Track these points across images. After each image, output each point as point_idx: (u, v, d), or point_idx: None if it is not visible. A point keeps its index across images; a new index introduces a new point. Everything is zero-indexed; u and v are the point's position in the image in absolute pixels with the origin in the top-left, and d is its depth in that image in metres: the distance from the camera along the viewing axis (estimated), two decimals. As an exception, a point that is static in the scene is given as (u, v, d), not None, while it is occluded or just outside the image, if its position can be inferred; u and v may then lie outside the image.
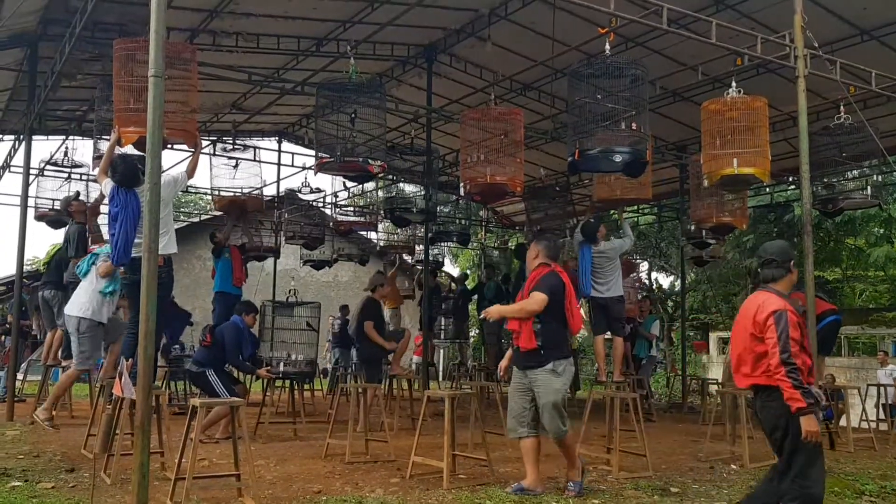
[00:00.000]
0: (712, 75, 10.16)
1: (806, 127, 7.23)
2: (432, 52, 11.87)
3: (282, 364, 9.14)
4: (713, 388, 12.49)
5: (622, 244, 9.15)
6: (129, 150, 6.70)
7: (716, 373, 21.82)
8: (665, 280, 29.00)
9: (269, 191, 15.36)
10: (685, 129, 12.96)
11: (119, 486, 5.45)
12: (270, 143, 16.35)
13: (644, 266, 23.70)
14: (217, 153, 13.34)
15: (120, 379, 4.80)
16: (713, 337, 26.33)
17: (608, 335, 9.11)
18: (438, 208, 14.44)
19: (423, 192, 13.93)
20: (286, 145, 16.32)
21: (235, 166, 13.10)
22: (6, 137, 13.63)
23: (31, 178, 10.78)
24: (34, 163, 11.15)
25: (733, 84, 7.61)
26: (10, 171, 12.83)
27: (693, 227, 12.02)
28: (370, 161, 7.75)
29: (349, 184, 14.14)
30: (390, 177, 15.44)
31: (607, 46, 7.12)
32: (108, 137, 8.40)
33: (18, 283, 10.21)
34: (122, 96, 6.48)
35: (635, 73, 7.28)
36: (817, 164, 9.49)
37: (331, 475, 6.24)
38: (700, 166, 8.20)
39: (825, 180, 10.70)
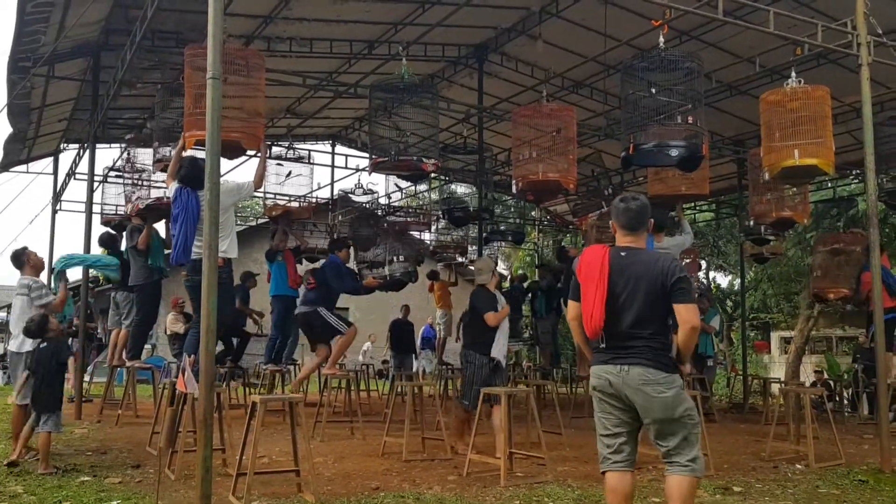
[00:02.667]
0: (770, 67, 9.93)
1: (870, 116, 7.03)
2: (483, 51, 11.88)
3: (385, 268, 9.48)
4: (776, 388, 12.18)
5: (683, 241, 8.97)
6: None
7: (777, 372, 21.33)
8: (724, 279, 28.44)
9: (324, 193, 15.57)
10: (743, 123, 12.70)
11: (183, 482, 5.58)
12: (324, 146, 16.59)
13: (701, 265, 23.24)
14: (271, 157, 13.54)
15: (183, 375, 4.91)
16: (774, 336, 25.73)
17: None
18: (492, 207, 14.41)
19: (475, 193, 13.95)
20: (339, 148, 16.52)
21: (288, 175, 13.27)
22: (70, 146, 14.12)
23: (96, 184, 11.10)
24: (98, 170, 11.47)
25: (793, 74, 7.42)
26: (75, 179, 13.27)
27: (752, 223, 11.74)
28: (424, 160, 7.78)
29: (402, 184, 14.21)
30: (443, 177, 15.47)
31: (661, 39, 7.02)
32: (170, 144, 8.66)
33: (85, 286, 10.52)
34: (190, 101, 6.61)
35: (690, 67, 7.15)
36: (883, 155, 9.19)
37: (388, 472, 6.28)
38: (760, 160, 8.02)
39: (891, 172, 10.35)
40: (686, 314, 3.78)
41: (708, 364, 11.98)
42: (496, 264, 8.29)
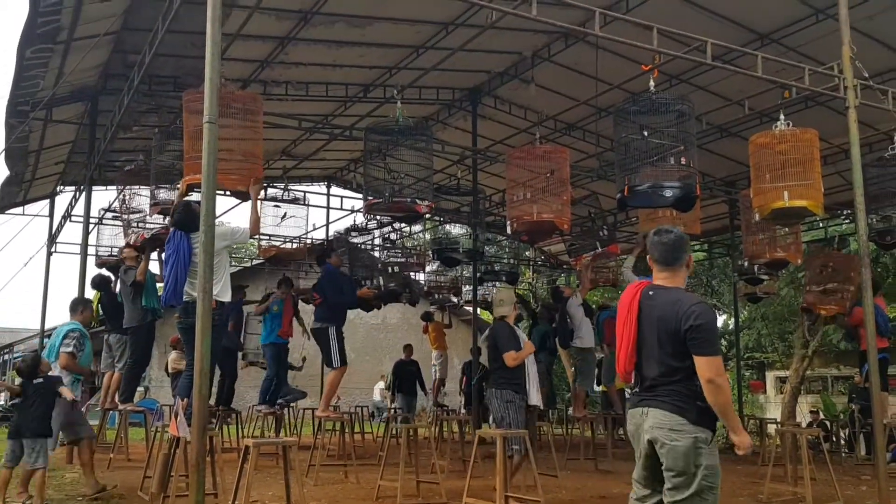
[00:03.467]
0: (759, 110, 10.08)
1: (859, 158, 7.10)
2: (477, 94, 12.06)
3: (381, 279, 10.16)
4: (772, 428, 12.12)
5: None
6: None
7: (773, 412, 21.23)
8: (718, 318, 28.45)
9: (319, 234, 15.61)
10: (733, 164, 12.83)
11: (174, 528, 5.51)
12: (320, 187, 16.71)
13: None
14: (266, 199, 13.60)
15: (175, 419, 4.88)
16: (770, 376, 25.66)
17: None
18: (485, 248, 14.43)
19: (469, 234, 14.01)
20: (335, 189, 16.66)
21: (283, 217, 13.32)
22: (67, 188, 14.18)
23: (91, 226, 11.12)
24: (93, 212, 11.50)
25: (781, 116, 7.52)
26: (70, 221, 13.31)
27: (745, 264, 11.80)
28: (418, 201, 7.83)
29: (397, 225, 14.27)
30: (437, 218, 15.53)
31: (651, 83, 7.13)
32: (165, 187, 8.74)
33: (78, 328, 10.48)
34: (189, 144, 6.66)
35: (681, 109, 7.25)
36: (872, 196, 9.28)
37: (382, 517, 6.21)
38: (750, 201, 8.09)
39: (880, 212, 10.44)
40: (701, 367, 3.41)
41: None
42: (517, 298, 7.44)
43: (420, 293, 16.02)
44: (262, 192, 13.32)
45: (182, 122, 7.04)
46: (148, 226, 9.63)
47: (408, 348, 14.70)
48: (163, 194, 8.90)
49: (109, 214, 12.41)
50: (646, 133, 7.15)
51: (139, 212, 9.83)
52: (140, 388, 15.77)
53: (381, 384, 21.22)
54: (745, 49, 7.68)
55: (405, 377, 14.33)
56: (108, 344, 10.11)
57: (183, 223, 6.49)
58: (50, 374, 6.45)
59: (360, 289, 10.56)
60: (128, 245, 9.89)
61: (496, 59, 10.92)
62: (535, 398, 6.74)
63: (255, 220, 6.59)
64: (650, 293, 3.67)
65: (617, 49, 9.08)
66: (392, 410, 15.13)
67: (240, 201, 6.71)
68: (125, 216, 9.87)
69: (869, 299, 7.09)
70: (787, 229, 9.95)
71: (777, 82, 7.30)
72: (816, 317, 13.15)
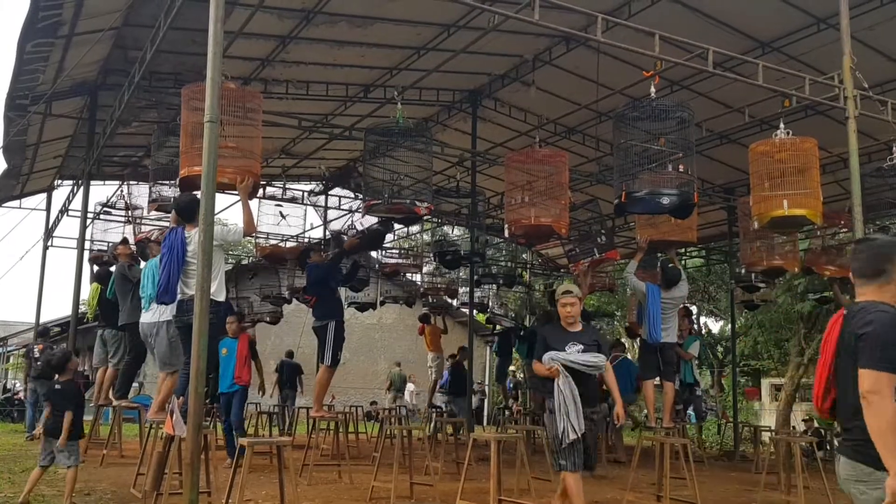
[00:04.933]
0: (759, 117, 10.09)
1: (857, 168, 7.11)
2: (477, 96, 12.06)
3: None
4: (766, 436, 12.13)
5: (686, 289, 9.09)
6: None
7: (768, 420, 21.27)
8: (714, 325, 28.46)
9: (316, 234, 15.61)
10: (733, 171, 12.84)
11: (167, 526, 5.49)
12: (318, 187, 16.66)
13: (692, 310, 23.29)
14: (264, 198, 13.58)
15: (171, 417, 4.87)
16: (765, 383, 25.68)
17: (657, 381, 8.98)
18: (485, 251, 14.41)
19: (468, 235, 14.00)
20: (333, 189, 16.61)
21: (284, 217, 13.28)
22: (65, 183, 14.16)
23: (88, 221, 11.10)
24: (90, 207, 11.46)
25: (781, 125, 7.53)
26: (68, 215, 13.29)
27: (743, 271, 11.81)
28: (417, 203, 7.82)
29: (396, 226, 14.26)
30: (435, 220, 15.52)
31: (652, 89, 7.12)
32: (164, 183, 8.72)
33: (74, 323, 10.46)
34: (186, 139, 6.62)
35: (681, 116, 7.26)
36: (870, 206, 9.28)
37: (375, 518, 6.20)
38: (749, 208, 8.09)
39: (878, 222, 10.45)
40: (860, 380, 2.74)
41: (696, 392, 11.83)
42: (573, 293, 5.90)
43: (417, 295, 16.02)
44: (261, 190, 13.34)
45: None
46: (151, 222, 9.60)
47: (462, 351, 14.23)
48: (161, 191, 8.89)
49: (106, 210, 12.39)
50: (648, 142, 7.12)
51: (137, 208, 9.80)
52: (134, 384, 15.76)
53: (412, 385, 20.73)
54: (746, 57, 7.69)
55: (456, 379, 14.01)
56: (102, 339, 10.08)
57: (182, 210, 6.43)
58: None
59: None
60: (124, 241, 9.87)
61: (497, 62, 10.92)
62: (564, 422, 5.41)
63: (249, 219, 6.45)
64: (849, 313, 2.97)
65: (618, 54, 9.09)
66: (388, 411, 15.10)
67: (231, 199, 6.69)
68: (130, 212, 9.84)
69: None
70: (784, 237, 9.96)
71: (777, 91, 7.30)
72: (813, 323, 13.15)
